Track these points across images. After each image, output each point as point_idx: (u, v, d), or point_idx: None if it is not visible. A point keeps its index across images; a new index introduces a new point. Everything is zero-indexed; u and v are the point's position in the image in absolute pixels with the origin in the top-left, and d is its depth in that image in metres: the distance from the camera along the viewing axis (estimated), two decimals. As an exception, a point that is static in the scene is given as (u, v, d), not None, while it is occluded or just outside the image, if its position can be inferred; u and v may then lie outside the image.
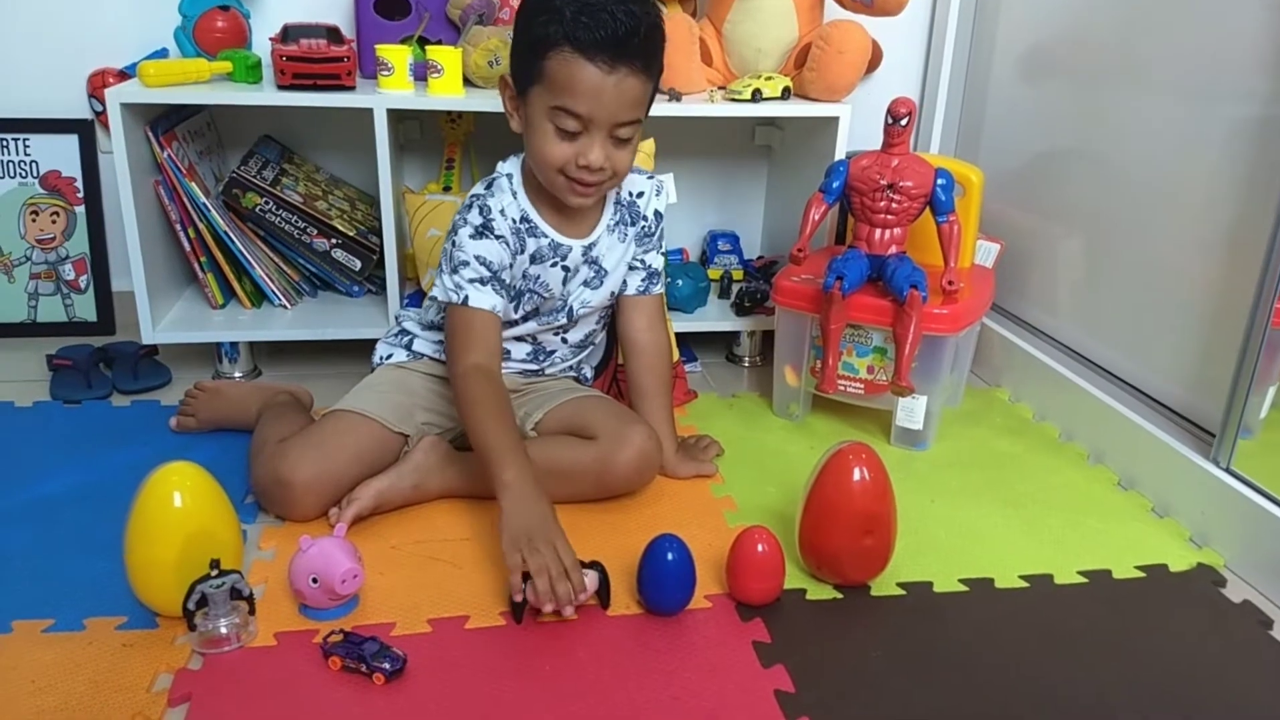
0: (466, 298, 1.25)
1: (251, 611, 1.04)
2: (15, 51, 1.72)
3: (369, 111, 1.55)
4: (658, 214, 1.39)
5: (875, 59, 1.86)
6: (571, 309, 1.37)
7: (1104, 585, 1.21)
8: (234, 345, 1.69)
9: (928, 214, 1.47)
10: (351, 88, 1.55)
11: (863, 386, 1.52)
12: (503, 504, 1.12)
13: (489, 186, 1.30)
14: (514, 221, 1.28)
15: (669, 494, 1.35)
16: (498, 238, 1.26)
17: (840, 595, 1.17)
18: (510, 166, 1.32)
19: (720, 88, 1.69)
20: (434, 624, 1.08)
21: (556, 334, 1.41)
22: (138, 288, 1.57)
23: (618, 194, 1.36)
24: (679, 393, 1.64)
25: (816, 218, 1.48)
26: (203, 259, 1.68)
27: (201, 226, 1.65)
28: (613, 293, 1.39)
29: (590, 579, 1.08)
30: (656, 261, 1.40)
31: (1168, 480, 1.37)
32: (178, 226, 1.65)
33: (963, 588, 1.20)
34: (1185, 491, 1.34)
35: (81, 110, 1.76)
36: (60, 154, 1.78)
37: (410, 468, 1.28)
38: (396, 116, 1.61)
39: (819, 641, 1.08)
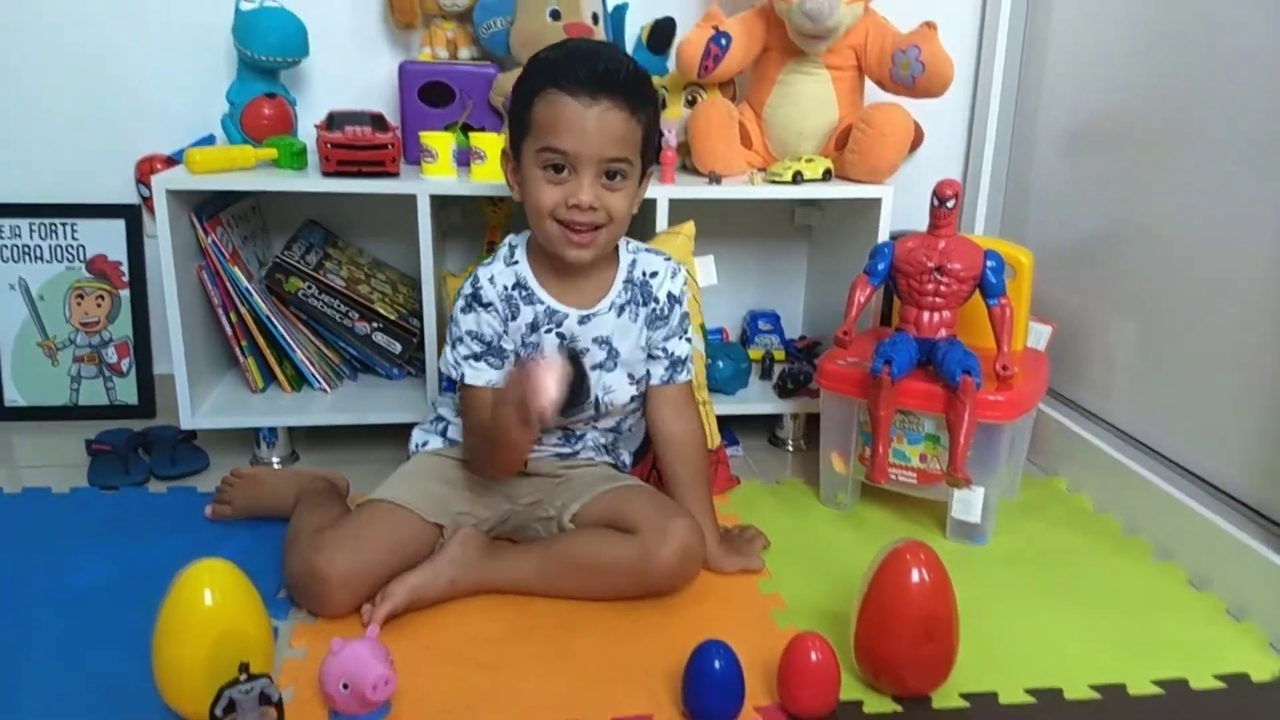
0: (464, 375, 1.29)
1: (281, 718, 1.00)
2: (65, 137, 1.76)
3: (412, 197, 1.55)
4: (673, 297, 1.34)
5: (917, 139, 1.84)
6: (596, 399, 1.34)
7: (1182, 697, 1.13)
8: (272, 430, 1.68)
9: (976, 295, 1.43)
10: (395, 174, 1.56)
11: (915, 476, 1.46)
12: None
13: (489, 257, 1.33)
14: (505, 288, 1.29)
15: (714, 592, 1.30)
16: (486, 306, 1.28)
17: (899, 708, 1.10)
18: (518, 239, 1.34)
19: (760, 170, 1.68)
20: (468, 733, 1.03)
21: (586, 421, 1.38)
22: (178, 372, 1.57)
23: (630, 272, 1.33)
24: (721, 479, 1.60)
25: (862, 300, 1.44)
26: (244, 343, 1.68)
27: (244, 310, 1.65)
28: (632, 376, 1.36)
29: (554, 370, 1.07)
30: (680, 349, 1.36)
31: (1243, 579, 1.29)
32: (220, 310, 1.65)
33: (1030, 699, 1.12)
34: (1263, 592, 1.25)
35: (129, 195, 1.79)
36: (107, 238, 1.80)
37: (445, 562, 1.24)
38: (439, 201, 1.61)
39: (877, 758, 1.01)
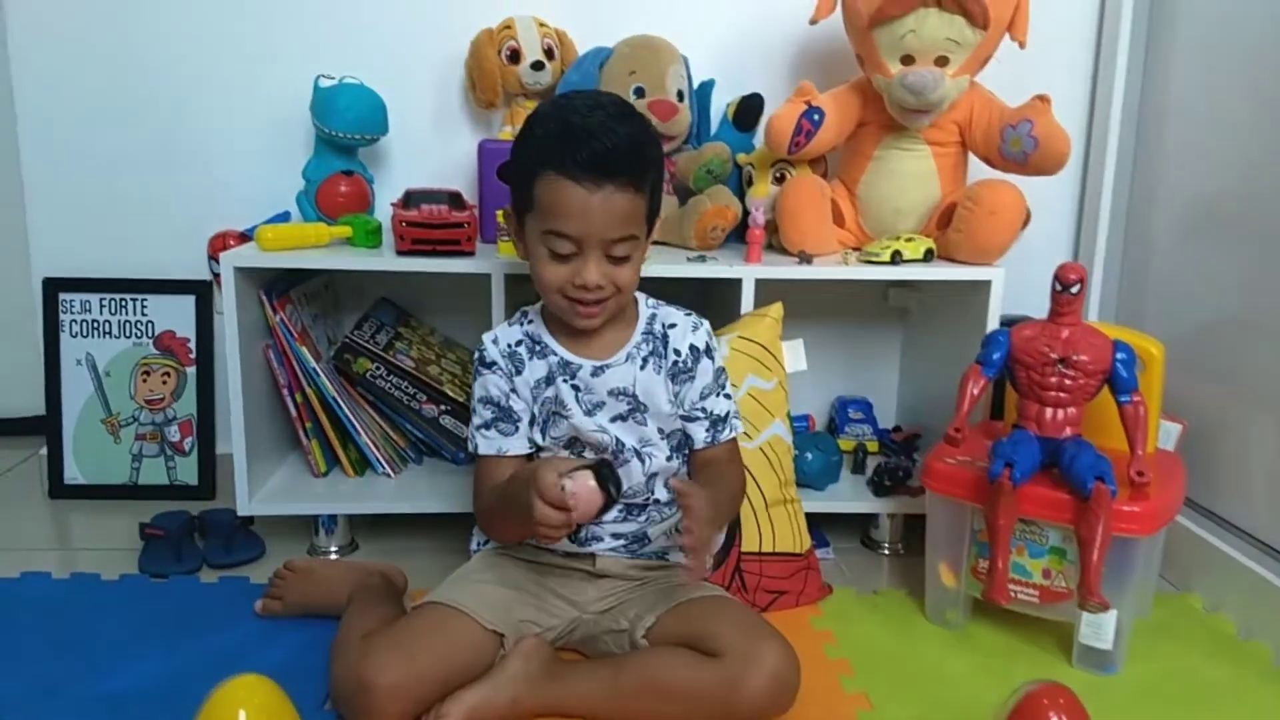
0: (476, 446, 1.24)
1: None
2: (138, 211, 1.74)
3: (487, 276, 1.48)
4: (696, 350, 1.25)
5: (1024, 219, 1.71)
6: (637, 451, 1.23)
7: None
8: (332, 518, 1.59)
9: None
10: (471, 253, 1.49)
11: (1038, 594, 1.29)
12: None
13: None
14: (509, 345, 1.25)
15: (807, 722, 1.14)
16: (490, 366, 1.25)
17: None
18: (533, 307, 1.29)
19: (855, 249, 1.56)
20: None
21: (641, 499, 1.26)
22: (237, 454, 1.50)
23: (649, 325, 1.25)
24: (811, 588, 1.44)
25: (975, 393, 1.31)
26: (309, 425, 1.60)
27: (310, 391, 1.58)
28: (662, 431, 1.24)
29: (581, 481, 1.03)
30: (719, 406, 1.26)
31: None
32: (285, 391, 1.58)
33: None
34: None
35: (201, 271, 1.76)
36: (176, 314, 1.77)
37: (507, 678, 1.12)
38: (514, 280, 1.53)
39: None
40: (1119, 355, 1.28)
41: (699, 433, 1.25)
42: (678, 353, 1.24)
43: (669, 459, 1.25)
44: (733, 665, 1.09)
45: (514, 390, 1.24)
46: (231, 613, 1.37)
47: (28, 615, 1.35)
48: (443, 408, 1.64)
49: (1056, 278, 1.29)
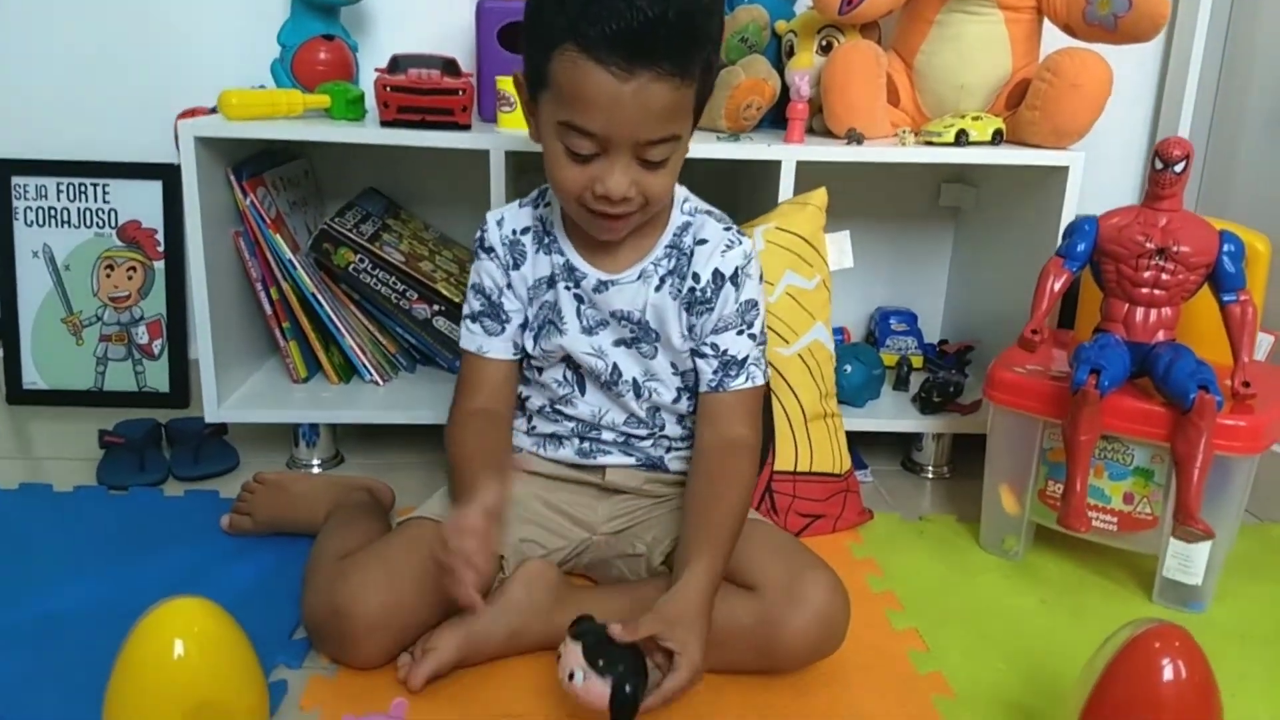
0: (460, 337, 1.09)
1: (268, 824, 0.72)
2: (97, 86, 1.55)
3: (484, 154, 1.28)
4: (721, 276, 1.00)
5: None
6: (638, 384, 1.04)
7: None
8: (313, 427, 1.42)
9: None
10: (466, 126, 1.29)
11: (1116, 521, 1.12)
12: None
13: None
14: (514, 232, 1.05)
15: (856, 664, 0.98)
16: (488, 251, 1.06)
17: None
18: None
19: (913, 131, 1.36)
20: None
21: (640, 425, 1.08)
22: (204, 354, 1.32)
23: (677, 237, 1.02)
24: (850, 512, 1.28)
25: (1057, 289, 1.12)
26: (285, 324, 1.43)
27: (286, 286, 1.41)
28: (675, 367, 1.04)
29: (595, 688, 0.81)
30: (737, 346, 1.01)
31: None
32: (259, 285, 1.40)
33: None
34: None
35: (167, 154, 1.56)
36: (142, 202, 1.58)
37: (505, 607, 0.96)
38: (517, 166, 1.34)
39: None
40: (1226, 247, 1.09)
41: (705, 371, 1.02)
42: (696, 278, 1.01)
43: (675, 400, 1.06)
44: (772, 601, 0.92)
45: (509, 285, 1.05)
46: (195, 529, 1.21)
47: (-32, 528, 1.19)
48: (436, 308, 1.46)
49: (1157, 154, 1.09)
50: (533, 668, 0.95)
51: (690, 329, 1.02)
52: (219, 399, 1.35)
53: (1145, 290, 1.10)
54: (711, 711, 0.90)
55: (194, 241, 1.29)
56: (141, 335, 1.61)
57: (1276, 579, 1.20)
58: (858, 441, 1.48)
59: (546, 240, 1.04)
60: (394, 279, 1.44)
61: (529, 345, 1.06)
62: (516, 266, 1.05)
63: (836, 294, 1.46)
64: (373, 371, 1.47)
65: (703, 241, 1.02)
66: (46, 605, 1.03)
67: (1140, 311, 1.11)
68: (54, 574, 1.09)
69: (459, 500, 0.94)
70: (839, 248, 1.29)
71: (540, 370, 1.08)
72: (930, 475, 1.47)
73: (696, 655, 0.83)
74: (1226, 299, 1.09)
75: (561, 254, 1.03)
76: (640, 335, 1.03)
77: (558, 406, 1.08)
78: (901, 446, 1.52)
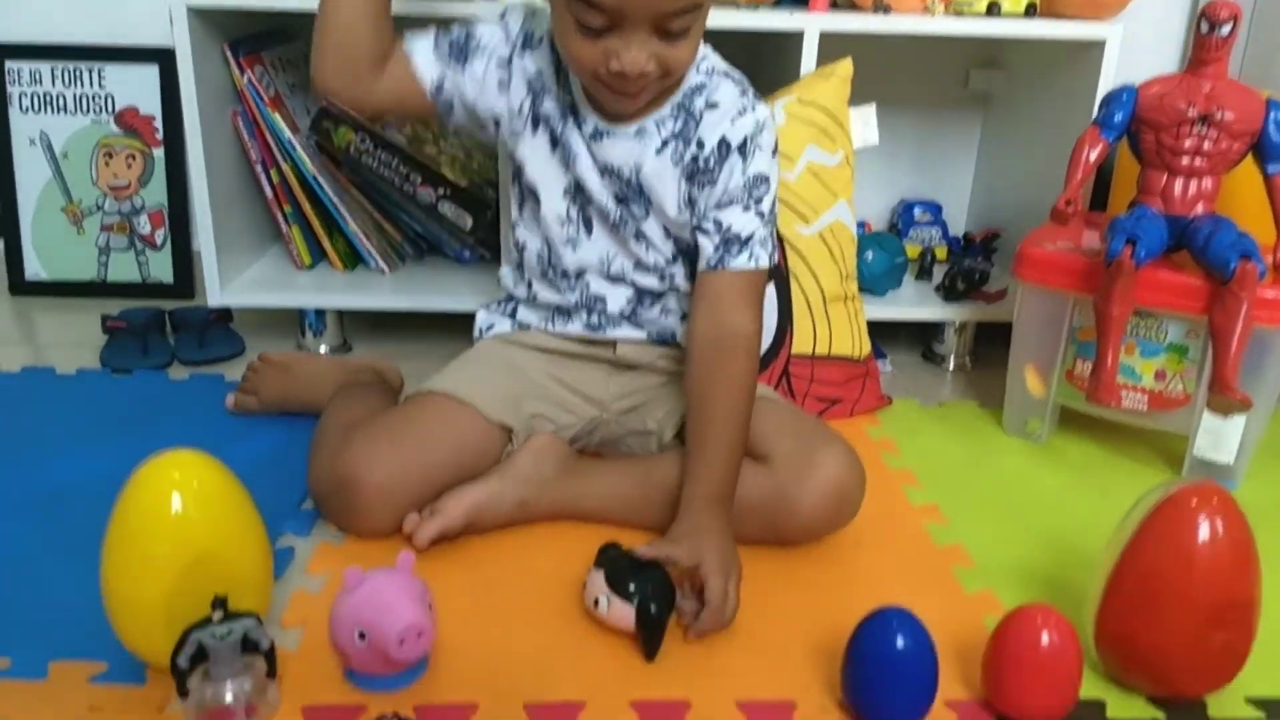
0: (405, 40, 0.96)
1: (271, 673, 0.71)
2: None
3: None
4: (725, 145, 0.93)
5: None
6: (639, 231, 0.98)
7: None
8: (320, 315, 1.39)
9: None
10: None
11: (1146, 399, 1.08)
12: None
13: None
14: (531, 35, 0.95)
15: (871, 536, 0.96)
16: (503, 26, 0.96)
17: (1161, 714, 0.75)
18: None
19: (944, 1, 1.29)
20: (534, 713, 0.72)
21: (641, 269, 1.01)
22: (204, 237, 1.29)
23: (689, 98, 0.95)
24: (869, 396, 1.25)
25: (1093, 158, 1.07)
26: (287, 208, 1.39)
27: (286, 168, 1.36)
28: (668, 231, 0.98)
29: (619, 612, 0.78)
30: (742, 223, 0.94)
31: None
32: (258, 168, 1.36)
33: (1355, 715, 0.76)
34: None
35: (164, 37, 1.50)
36: (139, 87, 1.52)
37: (514, 477, 0.94)
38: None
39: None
40: (1274, 115, 1.03)
41: (706, 248, 0.95)
42: (701, 145, 0.94)
43: (671, 261, 1.00)
44: (785, 471, 0.90)
45: (499, 63, 0.95)
46: (200, 409, 1.19)
47: (-32, 408, 1.18)
48: (441, 191, 1.41)
49: (1204, 14, 1.03)
50: (540, 536, 0.94)
51: (691, 202, 0.96)
52: (221, 284, 1.32)
53: (1186, 160, 1.04)
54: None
55: (190, 119, 1.24)
56: (143, 225, 1.57)
57: (1309, 463, 1.17)
58: (877, 332, 1.43)
59: (559, 75, 0.95)
60: (396, 160, 1.39)
61: (515, 147, 0.98)
62: (522, 57, 0.95)
63: (859, 183, 1.40)
64: (378, 259, 1.43)
65: (714, 106, 0.95)
66: (51, 477, 1.01)
67: (1180, 183, 1.05)
68: (58, 449, 1.07)
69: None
70: (864, 121, 1.23)
71: (540, 203, 0.99)
72: (952, 366, 1.43)
73: (715, 563, 0.80)
74: (1272, 169, 1.04)
75: (570, 93, 0.95)
76: (629, 196, 0.97)
77: (559, 256, 1.01)
78: (922, 338, 1.48)
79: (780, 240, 1.18)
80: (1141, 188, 1.08)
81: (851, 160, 1.23)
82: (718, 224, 0.95)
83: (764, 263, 0.95)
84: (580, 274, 1.02)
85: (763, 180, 0.95)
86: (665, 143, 0.95)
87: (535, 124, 0.97)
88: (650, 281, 1.01)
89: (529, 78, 0.96)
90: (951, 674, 0.77)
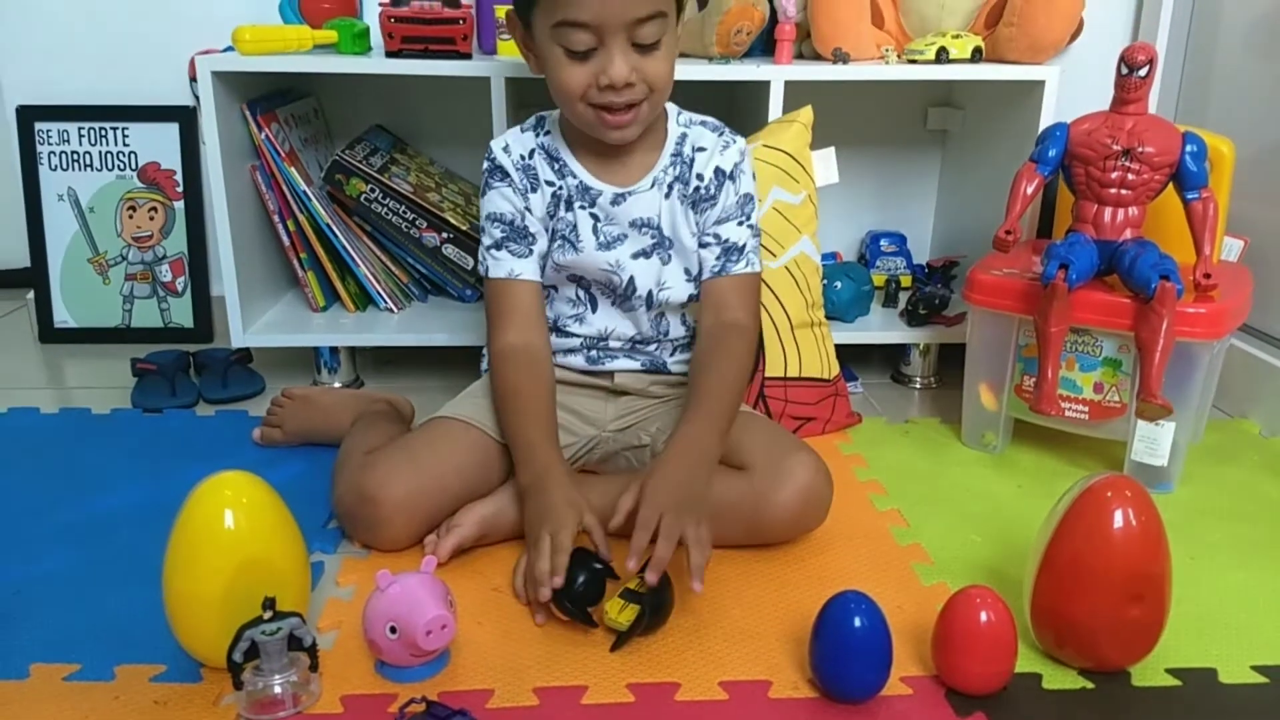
0: (487, 269, 1.10)
1: (314, 667, 0.81)
2: (115, 34, 1.61)
3: (485, 82, 1.34)
4: (721, 173, 1.09)
5: (1078, 26, 1.55)
6: (650, 294, 1.11)
7: None
8: (334, 353, 1.50)
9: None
10: (467, 55, 1.35)
11: (1087, 410, 1.20)
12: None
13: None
14: (521, 157, 1.10)
15: (839, 538, 1.07)
16: (504, 178, 1.10)
17: (1090, 684, 0.86)
18: (551, 112, 1.13)
19: (897, 51, 1.42)
20: (542, 695, 0.83)
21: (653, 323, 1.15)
22: (228, 285, 1.40)
23: (679, 147, 1.10)
24: (839, 415, 1.36)
25: (1029, 192, 1.19)
26: (303, 255, 1.51)
27: (302, 219, 1.48)
28: (689, 271, 1.12)
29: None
30: (737, 235, 1.10)
31: None
32: (276, 218, 1.48)
33: (1260, 678, 0.87)
34: None
35: (183, 97, 1.63)
36: (160, 144, 1.65)
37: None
38: (516, 98, 1.40)
39: (1069, 750, 0.78)
40: (1189, 147, 1.15)
41: (708, 259, 1.10)
42: (700, 178, 1.09)
43: (685, 303, 1.13)
44: (761, 478, 1.01)
45: (529, 208, 1.10)
46: (228, 443, 1.30)
47: (15, 447, 1.28)
48: (445, 235, 1.53)
49: (1123, 59, 1.15)
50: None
51: (697, 226, 1.11)
52: (243, 326, 1.43)
53: (1113, 191, 1.17)
54: (710, 579, 0.98)
55: (214, 173, 1.36)
56: (165, 273, 1.68)
57: (1241, 465, 1.28)
58: (849, 355, 1.56)
59: (557, 165, 1.10)
60: (404, 208, 1.51)
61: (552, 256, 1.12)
62: (534, 189, 1.10)
63: (830, 218, 1.53)
64: (387, 299, 1.54)
65: (701, 149, 1.10)
66: (97, 507, 1.12)
67: (1108, 211, 1.17)
68: (100, 482, 1.18)
69: (520, 461, 1.01)
70: (825, 163, 1.35)
71: (554, 288, 1.14)
72: (919, 386, 1.55)
73: (667, 505, 0.88)
74: (1190, 196, 1.16)
75: (574, 175, 1.09)
76: (659, 241, 1.10)
77: (566, 323, 1.15)
78: (890, 361, 1.59)
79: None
80: (1075, 216, 1.21)
81: (815, 199, 1.35)
82: (717, 237, 1.10)
83: (757, 267, 1.11)
84: (584, 335, 1.15)
85: (750, 199, 1.11)
86: (670, 187, 1.09)
87: (553, 234, 1.11)
88: (646, 342, 1.15)
89: (545, 205, 1.10)
90: (908, 654, 0.87)
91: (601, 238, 1.10)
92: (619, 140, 1.05)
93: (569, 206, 1.10)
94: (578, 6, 0.94)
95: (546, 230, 1.11)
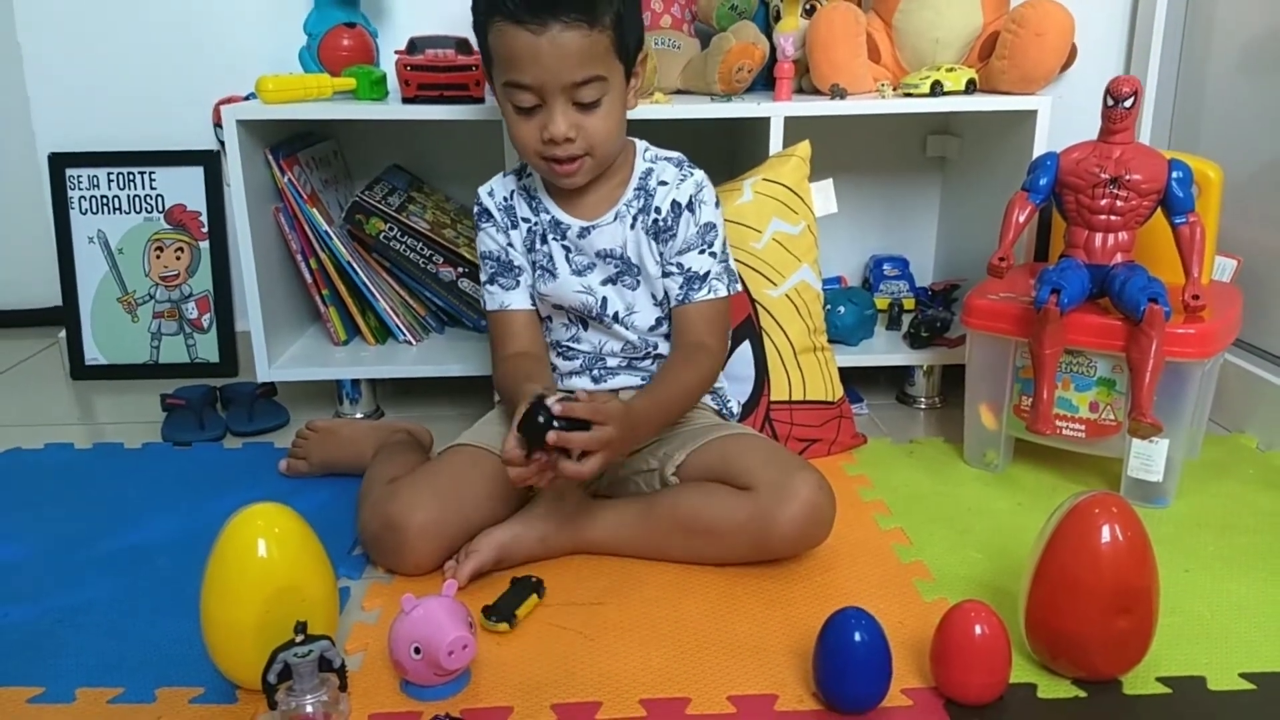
0: (484, 303, 1.24)
1: (343, 687, 0.85)
2: (140, 82, 1.68)
3: (497, 125, 1.40)
4: (678, 205, 1.17)
5: (1069, 57, 1.59)
6: (616, 314, 1.19)
7: None
8: (355, 385, 1.56)
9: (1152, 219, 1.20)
10: (480, 99, 1.41)
11: (1084, 428, 1.23)
12: None
13: None
14: (504, 199, 1.22)
15: (843, 557, 1.11)
16: (489, 219, 1.22)
17: (1083, 693, 0.89)
18: None
19: (892, 85, 1.47)
20: (559, 711, 0.87)
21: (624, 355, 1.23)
22: (254, 321, 1.46)
23: (643, 181, 1.19)
24: (844, 436, 1.40)
25: (1021, 220, 1.23)
26: (325, 292, 1.56)
27: (324, 257, 1.54)
28: (654, 297, 1.20)
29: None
30: (699, 264, 1.17)
31: None
32: (299, 257, 1.54)
33: (1247, 685, 0.90)
34: None
35: (207, 141, 1.70)
36: (186, 187, 1.72)
37: (537, 516, 1.09)
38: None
39: (1064, 758, 0.81)
40: (1175, 174, 1.19)
41: (672, 288, 1.18)
42: (658, 210, 1.17)
43: (653, 328, 1.21)
44: (765, 497, 1.05)
45: (511, 244, 1.20)
46: (256, 474, 1.35)
47: (51, 481, 1.34)
48: (460, 270, 1.59)
49: (1108, 91, 1.20)
50: (557, 567, 1.09)
51: (661, 256, 1.18)
52: (268, 361, 1.49)
53: (1102, 217, 1.21)
54: (709, 593, 1.03)
55: (239, 215, 1.42)
56: (191, 310, 1.75)
57: (1237, 479, 1.31)
58: (855, 378, 1.60)
59: (534, 203, 1.20)
60: (421, 245, 1.57)
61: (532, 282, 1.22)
62: (514, 226, 1.20)
63: (834, 244, 1.57)
64: (406, 332, 1.60)
65: (664, 183, 1.18)
66: (134, 537, 1.17)
67: (1099, 237, 1.22)
68: (137, 513, 1.23)
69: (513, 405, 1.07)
70: (824, 194, 1.40)
71: (549, 318, 1.24)
72: (923, 406, 1.59)
73: (612, 425, 0.97)
74: (1177, 221, 1.20)
75: (547, 212, 1.19)
76: (624, 269, 1.18)
77: (568, 344, 1.23)
78: (895, 382, 1.63)
79: (753, 301, 1.35)
80: (1068, 242, 1.25)
81: (814, 229, 1.40)
82: (680, 266, 1.17)
83: (721, 293, 1.19)
84: (583, 353, 1.22)
85: (711, 228, 1.18)
86: (635, 218, 1.17)
87: (534, 265, 1.21)
88: (638, 354, 1.22)
89: (523, 240, 1.21)
90: (909, 667, 0.91)
91: (574, 266, 1.19)
92: (569, 186, 1.15)
93: (544, 240, 1.19)
94: (520, 69, 1.05)
95: (530, 263, 1.20)
